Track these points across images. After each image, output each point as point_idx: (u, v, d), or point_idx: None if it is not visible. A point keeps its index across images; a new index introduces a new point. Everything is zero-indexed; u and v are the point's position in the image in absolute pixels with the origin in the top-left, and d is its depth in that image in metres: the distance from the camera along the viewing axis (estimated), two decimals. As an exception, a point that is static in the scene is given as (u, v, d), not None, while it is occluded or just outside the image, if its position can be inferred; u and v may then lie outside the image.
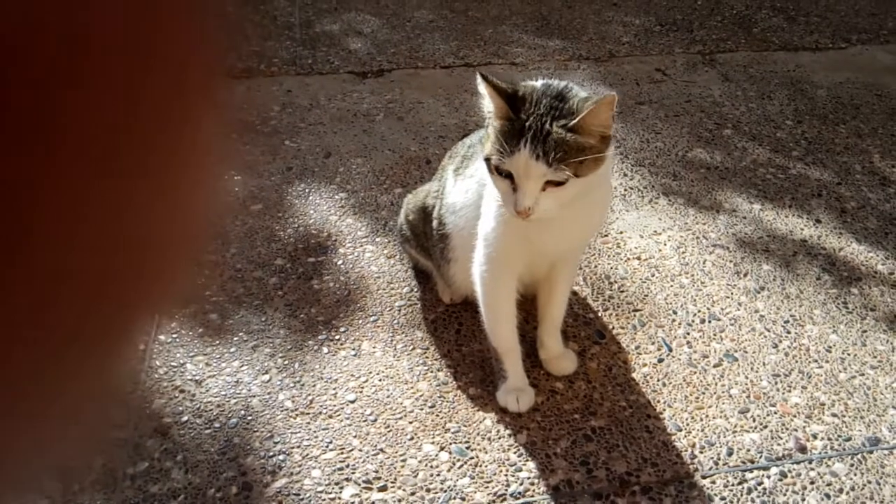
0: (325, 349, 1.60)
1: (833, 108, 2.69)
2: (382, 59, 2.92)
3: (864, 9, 3.61)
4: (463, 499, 1.29)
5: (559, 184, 1.12)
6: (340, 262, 1.85)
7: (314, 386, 1.51)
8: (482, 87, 1.18)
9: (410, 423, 1.43)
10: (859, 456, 1.39)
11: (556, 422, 1.43)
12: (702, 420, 1.45)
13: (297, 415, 1.45)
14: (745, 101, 2.71)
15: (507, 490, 1.30)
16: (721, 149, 2.41)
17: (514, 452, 1.37)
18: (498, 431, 1.40)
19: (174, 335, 1.62)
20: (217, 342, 1.60)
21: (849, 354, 1.63)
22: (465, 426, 1.42)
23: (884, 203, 2.17)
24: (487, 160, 1.18)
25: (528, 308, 1.57)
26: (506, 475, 1.33)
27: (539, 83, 1.20)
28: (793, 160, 2.37)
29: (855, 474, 1.36)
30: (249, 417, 1.45)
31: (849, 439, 1.42)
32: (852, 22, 3.46)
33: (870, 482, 1.34)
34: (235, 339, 1.61)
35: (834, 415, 1.48)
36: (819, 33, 3.32)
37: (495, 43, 3.08)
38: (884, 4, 3.66)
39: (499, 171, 1.15)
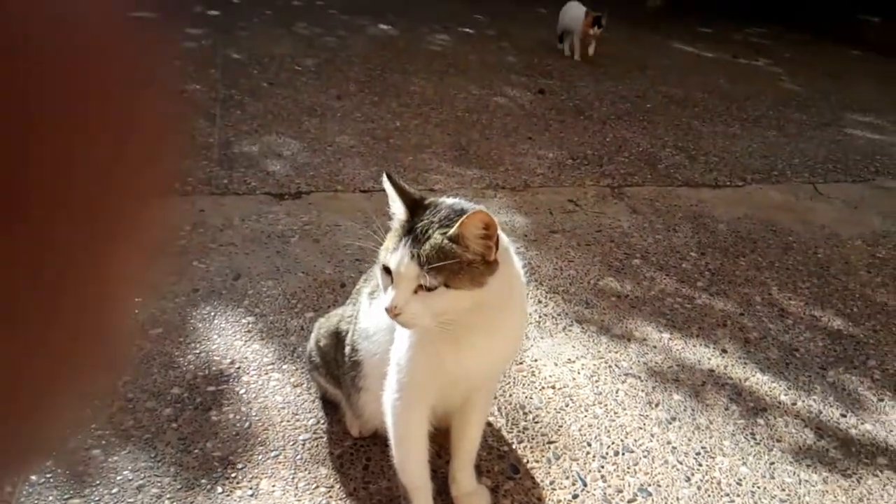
0: (219, 489, 1.48)
1: (733, 242, 2.86)
2: (301, 182, 2.95)
3: (756, 151, 3.94)
4: None
5: (432, 290, 1.12)
6: (243, 391, 1.77)
7: (204, 530, 1.39)
8: (387, 186, 1.20)
9: (309, 571, 1.32)
10: None
11: (467, 567, 1.35)
12: (617, 562, 1.41)
13: (182, 564, 1.32)
14: (653, 232, 2.85)
15: None
16: (631, 278, 2.50)
17: None
18: (404, 580, 1.31)
19: (48, 475, 1.47)
20: (97, 482, 1.47)
21: (759, 487, 1.64)
22: (368, 574, 1.32)
23: (783, 334, 2.27)
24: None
25: (441, 441, 1.52)
26: None
27: (452, 200, 1.23)
28: (698, 291, 2.47)
29: None
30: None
31: (764, 580, 1.40)
32: (747, 163, 3.76)
33: None
34: (119, 478, 1.48)
35: (748, 553, 1.46)
36: (718, 172, 3.58)
37: (415, 170, 3.17)
38: (773, 148, 4.01)
39: (384, 267, 1.16)
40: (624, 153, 3.68)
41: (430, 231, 1.13)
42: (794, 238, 2.96)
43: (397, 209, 1.20)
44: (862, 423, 1.90)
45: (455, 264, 1.11)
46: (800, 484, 1.67)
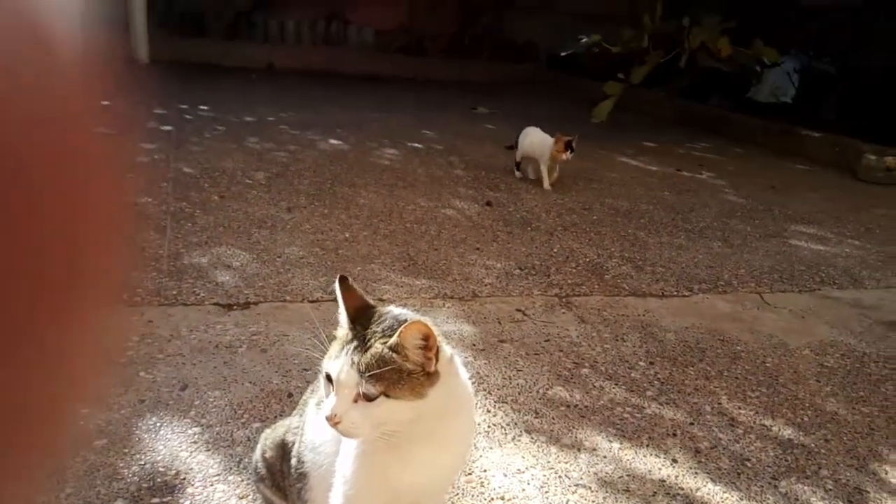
0: None
1: (682, 351, 2.95)
2: (250, 292, 2.98)
3: (702, 262, 4.12)
4: None
5: (372, 399, 1.15)
6: (187, 502, 1.72)
7: None
8: (337, 292, 1.25)
9: None
10: None
11: None
12: None
13: None
14: (601, 341, 2.93)
15: None
16: (580, 387, 2.54)
17: None
18: None
19: None
20: None
21: None
22: None
23: (734, 443, 2.32)
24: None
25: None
26: None
27: (398, 309, 1.28)
28: (647, 400, 2.53)
29: None
30: None
31: None
32: (693, 272, 3.93)
33: None
34: None
35: None
36: (664, 282, 3.73)
37: (364, 280, 3.23)
38: (719, 259, 4.21)
39: (327, 375, 1.18)
40: (571, 263, 3.82)
41: (372, 340, 1.18)
42: (743, 347, 3.07)
43: (342, 317, 1.25)
44: (814, 533, 1.93)
45: (394, 374, 1.15)
46: None
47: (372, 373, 1.14)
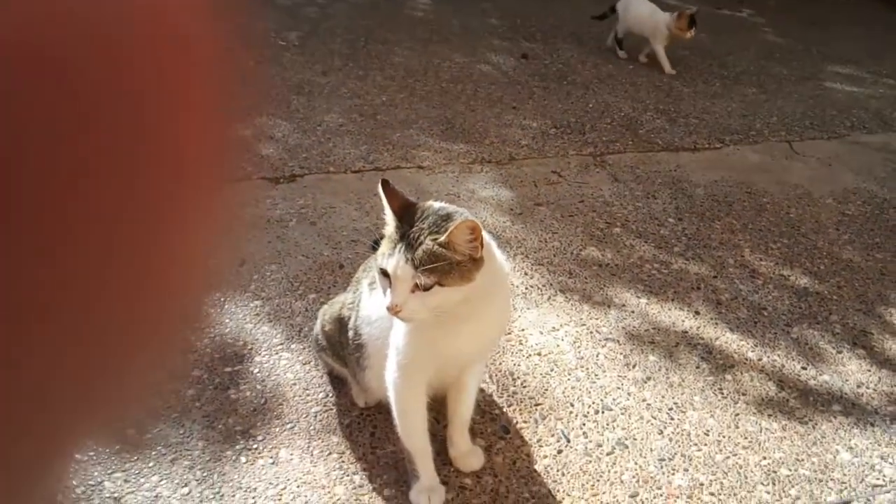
0: (243, 458, 1.71)
1: (709, 206, 3.07)
2: (294, 164, 3.12)
3: (735, 111, 4.12)
4: None
5: (427, 288, 1.32)
6: (257, 370, 1.98)
7: (234, 496, 1.62)
8: (381, 195, 1.40)
9: (329, 526, 1.55)
10: (733, 531, 1.61)
11: (465, 516, 1.59)
12: (596, 506, 1.65)
13: (217, 525, 1.55)
14: (633, 200, 3.05)
15: (420, 585, 1.44)
16: (611, 247, 2.71)
17: (427, 549, 1.51)
18: (411, 529, 1.55)
19: (90, 453, 1.69)
20: (135, 457, 1.69)
21: (724, 437, 1.88)
22: (380, 526, 1.55)
23: (753, 294, 2.50)
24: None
25: (438, 408, 1.74)
26: (419, 571, 1.47)
27: (438, 204, 1.43)
28: (674, 256, 2.69)
29: (729, 548, 1.57)
30: (171, 531, 1.53)
31: (724, 516, 1.65)
32: (725, 123, 3.94)
33: (742, 554, 1.56)
34: (154, 453, 1.71)
35: (711, 493, 1.70)
36: (697, 134, 3.77)
37: (403, 147, 3.35)
38: (752, 107, 4.19)
39: (382, 270, 1.36)
40: (606, 119, 3.86)
41: (422, 237, 1.33)
42: (768, 199, 3.17)
43: (388, 217, 1.40)
44: (821, 375, 2.13)
45: (446, 265, 1.31)
46: (761, 432, 1.90)
47: (426, 267, 1.31)
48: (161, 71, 0.25)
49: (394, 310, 1.33)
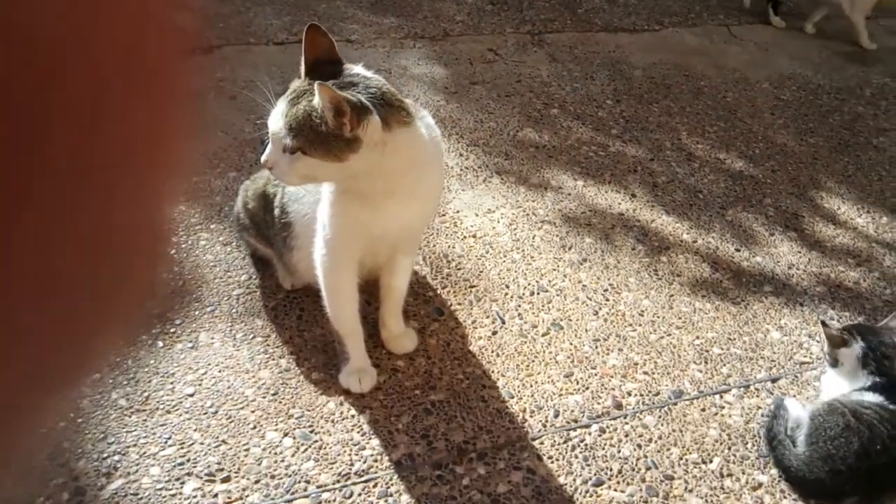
0: (160, 343, 1.57)
1: (648, 89, 2.96)
2: (211, 35, 2.83)
3: (675, -7, 3.96)
4: (308, 482, 1.34)
5: (293, 152, 1.18)
6: (173, 251, 1.82)
7: (150, 382, 1.49)
8: (303, 38, 1.23)
9: (253, 412, 1.46)
10: (666, 408, 1.59)
11: (398, 399, 1.51)
12: (532, 386, 1.60)
13: (132, 413, 1.43)
14: (571, 81, 2.91)
15: (350, 469, 1.37)
16: (549, 128, 2.58)
17: (358, 432, 1.43)
18: (341, 413, 1.47)
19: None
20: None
21: (658, 317, 1.85)
22: (308, 411, 1.46)
23: (689, 177, 2.44)
24: None
25: (370, 290, 1.63)
26: (350, 455, 1.39)
27: (359, 70, 1.26)
28: (612, 138, 2.59)
29: (662, 424, 1.55)
30: (79, 420, 1.41)
31: (657, 394, 1.63)
32: (665, 5, 3.79)
33: (674, 430, 1.54)
34: (59, 339, 1.55)
35: (645, 373, 1.68)
36: (636, 15, 3.61)
37: (330, 19, 3.08)
38: (692, -11, 4.03)
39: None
40: (545, -3, 3.64)
41: (302, 97, 1.17)
42: (706, 83, 3.08)
43: (301, 67, 1.23)
44: (753, 256, 2.12)
45: (311, 133, 1.15)
46: (694, 312, 1.88)
47: (292, 129, 1.16)
48: None
49: (266, 165, 1.21)
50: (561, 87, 2.85)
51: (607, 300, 1.87)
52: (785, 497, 1.43)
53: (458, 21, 3.25)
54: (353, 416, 1.46)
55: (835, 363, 1.56)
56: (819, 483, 1.40)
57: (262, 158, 1.22)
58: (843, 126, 2.89)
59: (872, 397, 1.44)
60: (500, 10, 3.42)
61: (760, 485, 1.45)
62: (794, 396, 1.64)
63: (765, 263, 2.09)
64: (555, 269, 1.95)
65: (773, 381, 1.70)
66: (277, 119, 1.19)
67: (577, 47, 3.19)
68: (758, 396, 1.65)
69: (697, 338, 1.80)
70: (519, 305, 1.81)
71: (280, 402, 1.48)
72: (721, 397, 1.64)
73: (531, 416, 1.53)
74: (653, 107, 2.83)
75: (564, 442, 1.48)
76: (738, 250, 2.13)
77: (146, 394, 1.47)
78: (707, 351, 1.76)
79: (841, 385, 1.53)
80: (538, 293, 1.86)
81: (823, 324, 1.61)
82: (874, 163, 2.66)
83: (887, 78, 3.34)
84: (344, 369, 1.50)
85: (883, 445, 1.36)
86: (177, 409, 1.44)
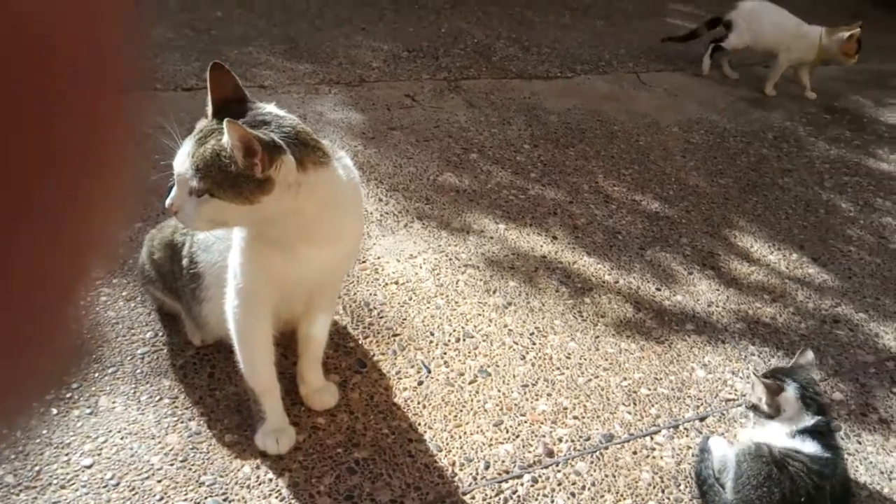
0: (53, 410, 1.45)
1: (563, 133, 3.03)
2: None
3: (585, 42, 4.11)
4: (222, 556, 1.24)
5: (200, 195, 1.12)
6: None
7: (41, 454, 1.36)
8: (207, 77, 1.17)
9: (159, 481, 1.34)
10: (597, 453, 1.57)
11: (319, 458, 1.43)
12: (460, 437, 1.55)
13: (20, 490, 1.29)
14: (488, 126, 2.95)
15: (270, 538, 1.28)
16: (469, 172, 2.59)
17: (276, 497, 1.34)
18: (258, 478, 1.37)
19: None
20: None
21: (585, 359, 1.84)
22: (221, 477, 1.36)
23: (608, 218, 2.49)
24: None
25: (287, 343, 1.56)
26: (268, 523, 1.30)
27: (271, 109, 1.21)
28: (531, 182, 2.62)
29: (595, 470, 1.53)
30: (-43, 503, 1.26)
31: (588, 439, 1.60)
32: (576, 53, 3.92)
33: (607, 476, 1.52)
34: (-65, 411, 1.40)
35: (575, 417, 1.66)
36: (549, 63, 3.72)
37: (242, 65, 3.03)
38: (601, 38, 4.20)
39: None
40: (460, 45, 3.71)
41: (210, 136, 1.12)
42: (619, 127, 3.18)
43: (208, 108, 1.18)
44: (674, 295, 2.15)
45: (220, 174, 1.10)
46: (620, 353, 1.89)
47: (198, 168, 1.11)
48: None
49: (171, 210, 1.14)
50: (479, 132, 2.88)
51: (534, 344, 1.86)
52: (720, 538, 1.42)
53: (374, 67, 3.26)
54: (270, 480, 1.37)
55: (777, 411, 1.49)
56: None
57: (167, 202, 1.15)
58: (750, 167, 3.03)
59: (810, 446, 1.42)
60: (416, 58, 3.45)
61: (695, 527, 1.44)
62: (722, 434, 1.65)
63: (685, 302, 2.13)
64: (480, 314, 1.92)
65: (701, 419, 1.71)
66: (183, 160, 1.12)
67: (494, 93, 3.25)
68: (687, 436, 1.65)
69: (625, 379, 1.80)
70: (445, 353, 1.77)
71: (190, 470, 1.37)
72: (651, 439, 1.63)
73: (461, 470, 1.47)
74: (569, 151, 2.89)
75: (496, 495, 1.44)
76: (658, 289, 2.16)
77: (37, 468, 1.33)
78: (635, 392, 1.76)
79: (779, 433, 1.47)
80: (464, 339, 1.83)
81: (756, 376, 1.56)
82: (780, 202, 2.79)
83: (787, 122, 3.54)
84: (260, 430, 1.41)
85: (807, 497, 1.36)
86: (72, 484, 1.32)
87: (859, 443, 1.69)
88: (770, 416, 1.48)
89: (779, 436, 1.46)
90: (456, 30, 3.89)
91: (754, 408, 1.54)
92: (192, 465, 1.38)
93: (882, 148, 3.39)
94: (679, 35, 4.01)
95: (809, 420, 1.44)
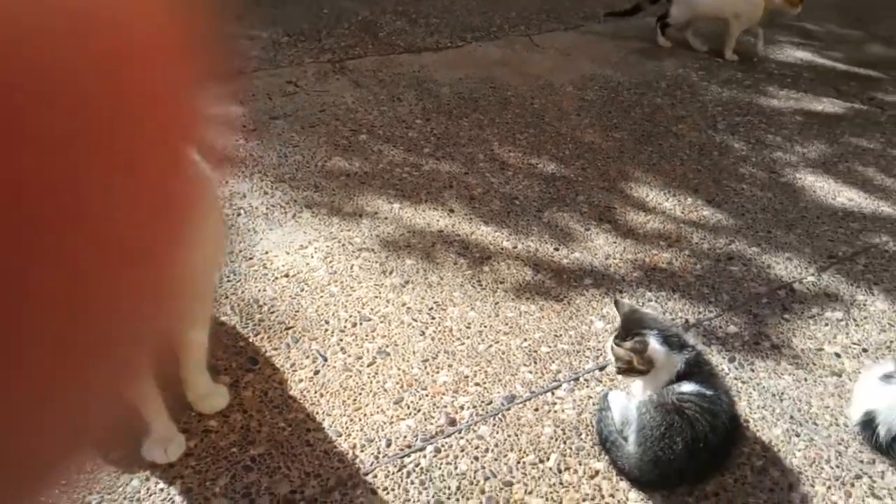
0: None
1: (456, 104, 3.08)
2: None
3: (475, 9, 4.17)
4: (115, 572, 1.25)
5: None
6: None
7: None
8: None
9: (43, 508, 1.34)
10: (499, 415, 1.64)
11: (213, 461, 1.45)
12: (360, 420, 1.59)
13: None
14: (377, 104, 2.97)
15: (165, 548, 1.30)
16: (359, 154, 2.62)
17: (170, 506, 1.36)
18: (148, 489, 1.38)
19: None
20: None
21: (486, 327, 1.90)
22: (108, 495, 1.37)
23: (504, 185, 2.55)
24: None
25: (168, 348, 1.57)
26: (162, 532, 1.32)
27: None
28: (425, 157, 2.67)
29: (497, 432, 1.59)
30: None
31: (490, 402, 1.67)
32: (467, 21, 3.98)
33: (509, 436, 1.59)
34: None
35: (477, 384, 1.72)
36: (439, 34, 3.76)
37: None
38: (491, 4, 4.27)
39: None
40: (343, 24, 3.71)
41: None
42: (513, 92, 3.25)
43: None
44: (572, 253, 2.24)
45: None
46: (520, 316, 1.95)
47: None
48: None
49: None
50: (368, 111, 2.91)
51: (433, 318, 1.91)
52: (621, 480, 1.50)
53: (252, 56, 3.24)
54: (161, 490, 1.38)
55: (651, 364, 1.53)
56: (652, 483, 1.48)
57: None
58: (645, 118, 3.14)
59: (689, 387, 1.50)
60: (297, 42, 3.44)
61: (597, 472, 1.52)
62: (624, 389, 1.73)
63: (583, 258, 2.22)
64: (377, 297, 1.96)
65: (601, 369, 1.79)
66: None
67: (381, 70, 3.27)
68: (588, 387, 1.74)
69: (525, 340, 1.87)
70: (341, 340, 1.81)
71: (73, 492, 1.37)
72: (553, 394, 1.71)
73: (362, 451, 1.51)
74: (463, 121, 2.95)
75: (399, 470, 1.48)
76: (556, 249, 2.24)
77: None
78: (535, 351, 1.83)
79: (660, 383, 1.53)
80: (361, 323, 1.86)
81: (616, 344, 1.57)
82: (675, 149, 2.91)
83: (680, 69, 3.68)
84: (146, 441, 1.42)
85: (705, 441, 1.45)
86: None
87: (752, 370, 1.81)
88: (645, 373, 1.54)
89: (662, 385, 1.53)
90: (338, 9, 3.89)
91: (627, 371, 1.57)
92: (75, 486, 1.38)
93: (772, 85, 3.56)
94: (622, 10, 4.00)
95: (682, 360, 1.52)
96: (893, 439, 1.53)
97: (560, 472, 1.52)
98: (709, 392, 1.50)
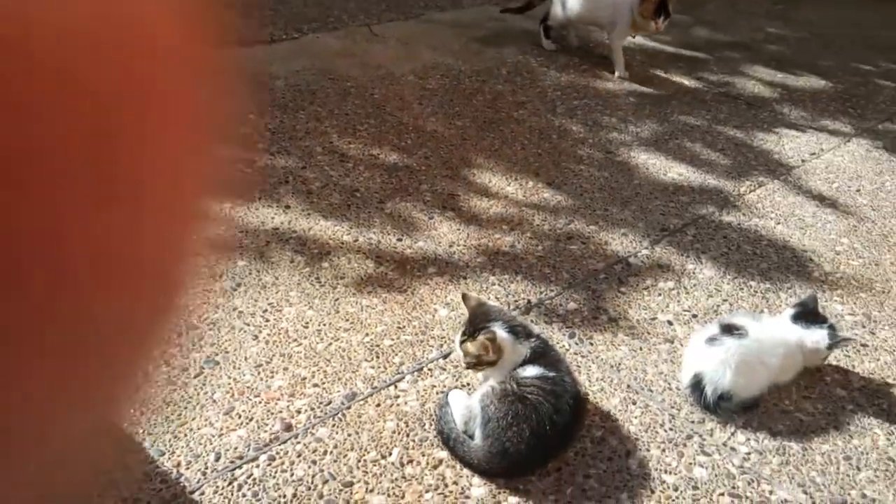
0: None
1: (292, 97, 3.00)
2: None
3: (311, 0, 4.10)
4: None
5: None
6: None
7: None
8: None
9: None
10: (339, 415, 1.60)
11: (14, 498, 1.33)
12: (185, 436, 1.50)
13: None
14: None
15: None
16: (184, 154, 2.50)
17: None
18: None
19: None
20: None
21: (325, 325, 1.85)
22: None
23: (344, 178, 2.51)
24: None
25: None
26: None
27: None
28: (259, 153, 2.58)
29: (336, 433, 1.55)
30: None
31: (329, 403, 1.62)
32: (302, 12, 3.90)
33: (350, 435, 1.55)
34: None
35: (315, 385, 1.67)
36: (273, 26, 3.66)
37: None
38: (328, -6, 4.21)
39: None
40: (167, 18, 3.55)
41: None
42: (353, 83, 3.21)
43: None
44: (416, 243, 2.23)
45: None
46: (362, 311, 1.92)
47: None
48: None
49: None
50: (194, 109, 2.78)
51: (267, 321, 1.84)
52: (464, 468, 1.50)
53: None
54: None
55: (500, 353, 1.53)
56: (502, 473, 1.48)
57: None
58: (487, 105, 3.19)
59: (532, 370, 1.52)
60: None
61: (441, 461, 1.51)
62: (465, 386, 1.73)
63: (427, 247, 2.21)
64: (204, 303, 1.86)
65: (445, 356, 1.79)
66: None
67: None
68: (432, 376, 1.73)
69: (367, 335, 1.84)
70: (163, 353, 1.70)
71: None
72: (395, 387, 1.68)
73: (187, 469, 1.43)
74: (299, 114, 2.88)
75: (229, 484, 1.41)
76: (399, 240, 2.23)
77: None
78: (377, 346, 1.80)
79: (507, 370, 1.55)
80: (186, 333, 1.76)
81: (465, 339, 1.57)
82: (516, 134, 2.97)
83: (520, 56, 3.76)
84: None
85: (551, 424, 1.47)
86: None
87: (591, 344, 1.86)
88: (494, 363, 1.55)
89: (508, 373, 1.54)
90: (162, 3, 3.71)
91: (476, 366, 1.58)
92: None
93: (608, 69, 3.71)
94: (516, 6, 3.93)
95: (527, 347, 1.55)
96: (720, 398, 1.61)
97: (402, 465, 1.49)
98: (551, 374, 1.53)
